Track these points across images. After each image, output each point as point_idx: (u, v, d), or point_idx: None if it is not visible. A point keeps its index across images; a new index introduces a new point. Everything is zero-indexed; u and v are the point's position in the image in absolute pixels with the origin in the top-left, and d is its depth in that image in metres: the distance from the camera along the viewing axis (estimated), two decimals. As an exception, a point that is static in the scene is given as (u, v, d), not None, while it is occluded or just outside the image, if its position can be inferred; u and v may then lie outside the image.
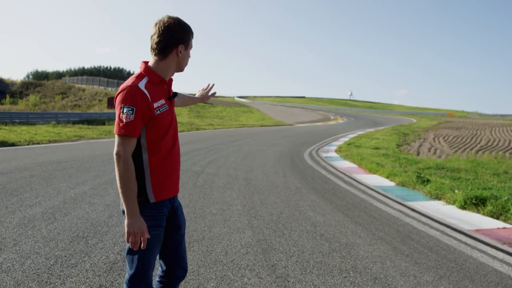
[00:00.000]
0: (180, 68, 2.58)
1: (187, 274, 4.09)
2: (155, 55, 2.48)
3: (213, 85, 3.34)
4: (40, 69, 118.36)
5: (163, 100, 2.48)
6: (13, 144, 15.56)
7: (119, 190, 2.32)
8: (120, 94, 2.35)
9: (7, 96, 55.24)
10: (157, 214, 2.50)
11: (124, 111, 2.29)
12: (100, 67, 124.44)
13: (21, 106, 49.11)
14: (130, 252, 2.49)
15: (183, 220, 2.77)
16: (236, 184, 9.13)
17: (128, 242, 2.37)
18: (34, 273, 3.97)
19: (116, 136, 2.32)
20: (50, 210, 6.23)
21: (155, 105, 2.40)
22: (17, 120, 27.48)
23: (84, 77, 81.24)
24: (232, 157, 14.25)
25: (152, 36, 2.45)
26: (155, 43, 2.44)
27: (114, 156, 2.32)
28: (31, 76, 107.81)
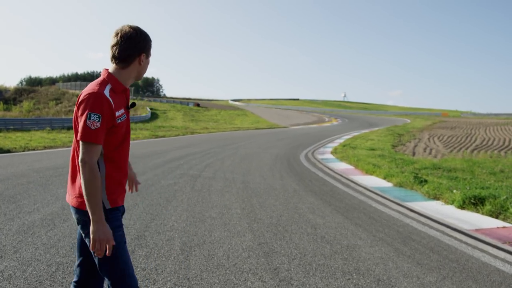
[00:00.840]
0: (139, 76, 2.60)
1: (190, 279, 4.08)
2: (116, 64, 2.49)
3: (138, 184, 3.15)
4: (33, 76, 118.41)
5: (123, 109, 2.50)
6: (8, 151, 15.47)
7: (85, 197, 2.30)
8: (86, 100, 2.34)
9: (1, 102, 55.06)
10: (117, 215, 2.51)
11: (91, 117, 2.29)
12: (93, 72, 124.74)
13: (15, 112, 48.95)
14: (102, 264, 2.45)
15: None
16: (234, 188, 9.12)
17: (93, 249, 2.33)
18: (36, 281, 3.93)
19: (81, 143, 2.31)
20: (49, 216, 6.19)
21: (117, 113, 2.42)
22: (12, 127, 27.35)
23: (78, 82, 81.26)
24: (228, 160, 14.23)
25: (113, 46, 2.46)
26: (117, 53, 2.45)
27: (80, 163, 2.30)
28: (24, 83, 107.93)
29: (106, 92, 2.38)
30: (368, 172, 12.36)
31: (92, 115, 2.29)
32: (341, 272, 4.41)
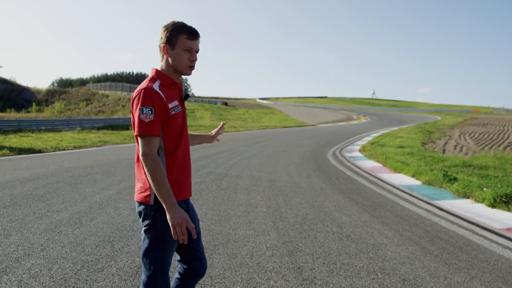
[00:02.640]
0: (176, 68, 2.57)
1: (213, 278, 4.08)
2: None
3: (224, 123, 3.43)
4: (64, 77, 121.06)
5: (176, 101, 2.55)
6: (39, 151, 15.81)
7: (154, 188, 2.37)
8: (137, 96, 2.43)
9: (33, 104, 56.35)
10: None
11: (144, 111, 2.37)
12: (122, 73, 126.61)
13: (47, 113, 49.97)
14: (147, 253, 2.54)
15: (197, 220, 2.82)
16: (260, 186, 9.10)
17: (175, 236, 2.40)
18: (61, 278, 3.99)
19: (140, 137, 2.39)
20: (76, 215, 6.29)
21: (170, 105, 2.48)
22: (43, 127, 27.96)
23: (107, 83, 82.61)
24: (255, 159, 14.22)
25: None
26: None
27: (141, 157, 2.38)
28: (56, 84, 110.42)
29: (156, 86, 2.46)
30: (396, 170, 12.18)
31: (144, 109, 2.37)
32: (366, 272, 4.34)
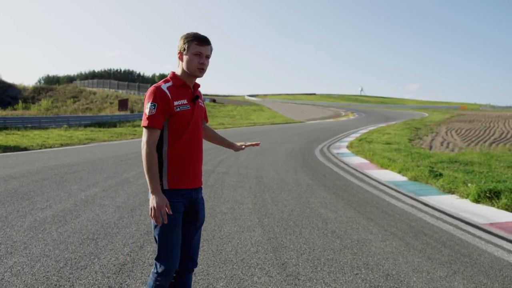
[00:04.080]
0: (190, 71, 2.84)
1: (197, 274, 4.07)
2: None
3: (257, 144, 3.70)
4: (51, 74, 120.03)
5: (185, 100, 2.84)
6: (25, 149, 15.67)
7: (145, 172, 2.69)
8: (147, 93, 2.77)
9: (20, 101, 55.64)
10: (171, 199, 2.77)
11: (148, 106, 2.72)
12: (110, 70, 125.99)
13: (34, 111, 49.42)
14: (155, 234, 2.83)
15: (202, 215, 3.08)
16: (247, 183, 9.10)
17: (151, 216, 2.68)
18: (43, 276, 3.96)
19: (143, 128, 2.73)
20: (61, 213, 6.24)
21: (176, 103, 2.77)
22: (30, 125, 27.74)
23: (95, 80, 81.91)
24: (243, 156, 14.20)
25: None
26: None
27: (141, 145, 2.73)
28: (42, 81, 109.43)
29: (165, 86, 2.78)
30: (383, 166, 12.25)
31: (149, 104, 2.72)
32: (350, 267, 4.36)
